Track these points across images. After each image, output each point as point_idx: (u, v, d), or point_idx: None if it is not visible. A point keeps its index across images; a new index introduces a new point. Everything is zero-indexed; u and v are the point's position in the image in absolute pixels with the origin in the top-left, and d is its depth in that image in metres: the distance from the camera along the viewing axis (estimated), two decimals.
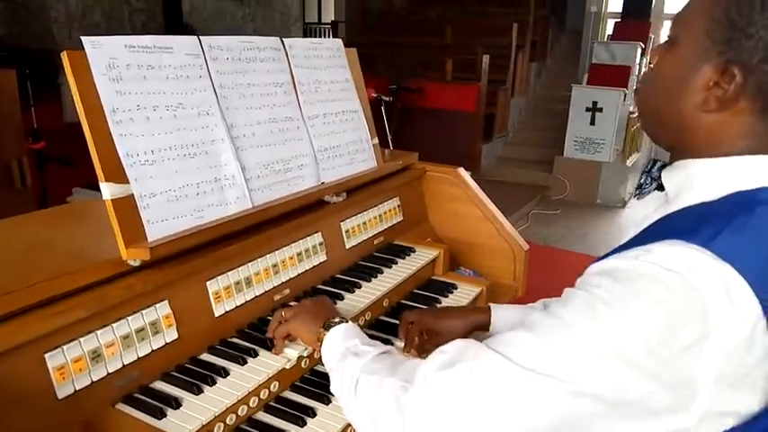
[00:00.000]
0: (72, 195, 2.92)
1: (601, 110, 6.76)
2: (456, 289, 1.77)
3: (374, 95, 4.25)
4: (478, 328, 1.35)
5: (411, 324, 1.37)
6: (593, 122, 6.85)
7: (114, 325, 1.10)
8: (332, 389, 1.05)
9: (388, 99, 4.45)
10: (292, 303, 1.47)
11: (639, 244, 0.81)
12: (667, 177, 0.93)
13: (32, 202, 3.27)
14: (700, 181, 0.87)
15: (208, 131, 1.26)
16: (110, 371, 1.08)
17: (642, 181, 1.00)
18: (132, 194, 1.11)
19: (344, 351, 1.04)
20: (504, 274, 2.00)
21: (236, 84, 1.34)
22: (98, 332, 1.07)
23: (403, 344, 1.39)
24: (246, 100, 1.36)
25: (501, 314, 1.35)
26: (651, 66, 0.97)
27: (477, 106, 7.02)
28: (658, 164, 0.98)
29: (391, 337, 1.47)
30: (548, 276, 3.90)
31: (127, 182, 1.10)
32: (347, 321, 1.15)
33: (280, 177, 1.41)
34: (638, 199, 1.02)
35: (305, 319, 1.21)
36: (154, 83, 1.17)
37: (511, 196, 6.68)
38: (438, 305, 1.67)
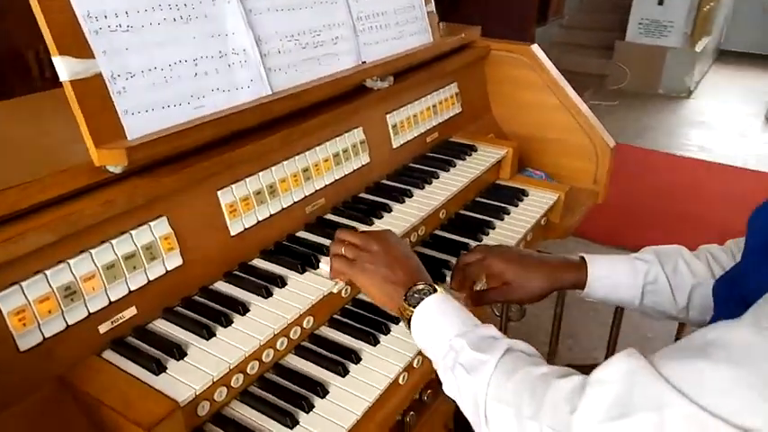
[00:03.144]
0: None
1: None
2: (527, 196, 1.45)
3: None
4: (566, 288, 1.05)
5: (469, 265, 1.06)
6: (661, 2, 6.11)
7: (93, 251, 0.83)
8: (445, 390, 0.82)
9: None
10: (333, 218, 1.18)
11: None
12: None
13: None
14: None
15: None
16: (91, 310, 0.83)
17: None
18: (100, 74, 0.79)
19: (447, 351, 0.81)
20: (583, 177, 1.66)
21: None
22: (70, 262, 0.80)
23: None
24: None
25: (601, 271, 1.02)
26: None
27: None
28: None
29: (449, 257, 1.18)
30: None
31: (92, 56, 0.78)
32: (433, 288, 0.88)
33: (308, 53, 1.07)
34: None
35: (376, 279, 0.92)
36: None
37: None
38: (506, 216, 1.36)
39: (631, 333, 2.00)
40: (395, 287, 0.89)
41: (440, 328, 0.83)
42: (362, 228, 1.14)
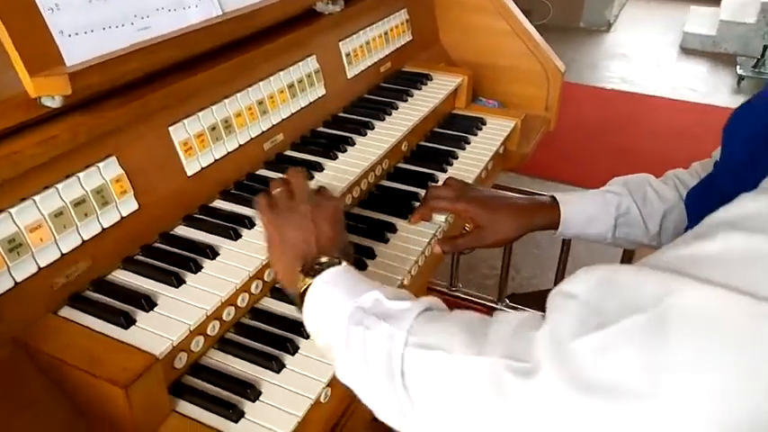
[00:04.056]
0: None
1: None
2: (485, 124, 1.42)
3: None
4: (539, 229, 1.01)
5: (438, 201, 1.01)
6: None
7: (37, 198, 0.73)
8: (338, 374, 0.67)
9: None
10: (293, 154, 1.10)
11: None
12: None
13: None
14: None
15: None
16: (42, 264, 0.73)
17: None
18: None
19: (354, 311, 0.65)
20: (535, 104, 1.65)
21: None
22: (11, 210, 0.70)
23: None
24: None
25: (573, 210, 0.99)
26: None
27: None
28: None
29: (418, 189, 1.14)
30: None
31: None
32: (340, 261, 0.73)
33: None
34: None
35: (284, 249, 0.78)
36: None
37: None
38: (467, 145, 1.32)
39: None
40: (296, 259, 0.75)
41: (344, 294, 0.68)
42: (329, 164, 1.07)
